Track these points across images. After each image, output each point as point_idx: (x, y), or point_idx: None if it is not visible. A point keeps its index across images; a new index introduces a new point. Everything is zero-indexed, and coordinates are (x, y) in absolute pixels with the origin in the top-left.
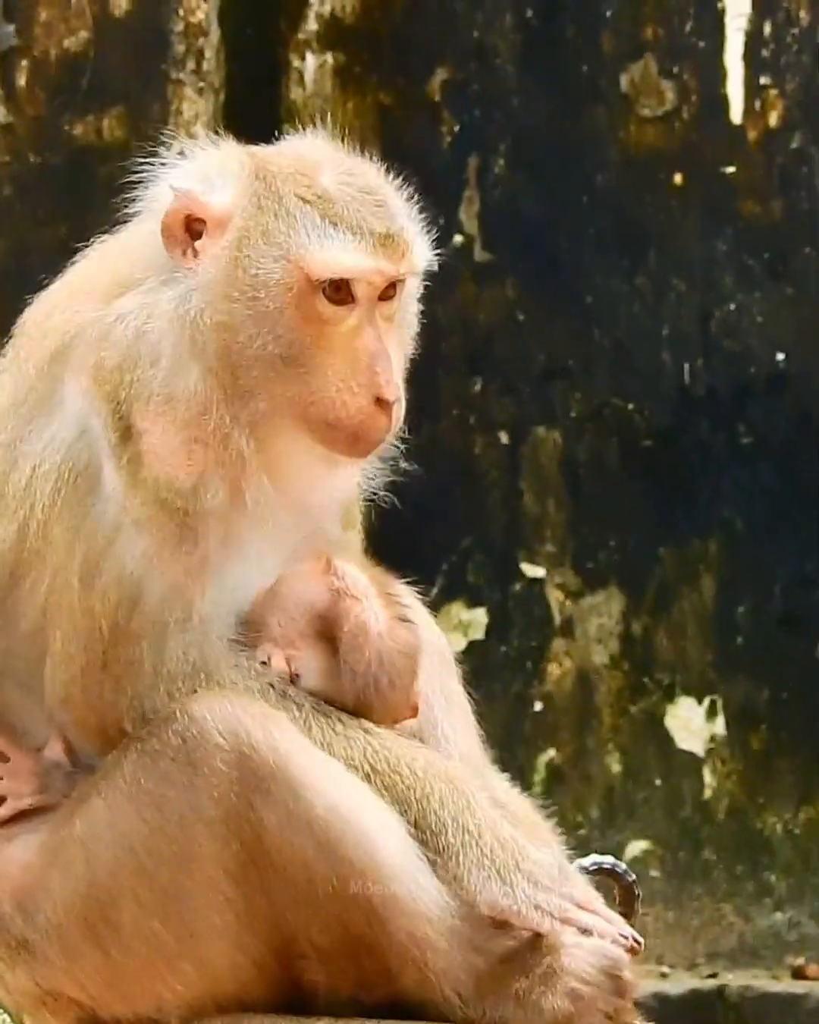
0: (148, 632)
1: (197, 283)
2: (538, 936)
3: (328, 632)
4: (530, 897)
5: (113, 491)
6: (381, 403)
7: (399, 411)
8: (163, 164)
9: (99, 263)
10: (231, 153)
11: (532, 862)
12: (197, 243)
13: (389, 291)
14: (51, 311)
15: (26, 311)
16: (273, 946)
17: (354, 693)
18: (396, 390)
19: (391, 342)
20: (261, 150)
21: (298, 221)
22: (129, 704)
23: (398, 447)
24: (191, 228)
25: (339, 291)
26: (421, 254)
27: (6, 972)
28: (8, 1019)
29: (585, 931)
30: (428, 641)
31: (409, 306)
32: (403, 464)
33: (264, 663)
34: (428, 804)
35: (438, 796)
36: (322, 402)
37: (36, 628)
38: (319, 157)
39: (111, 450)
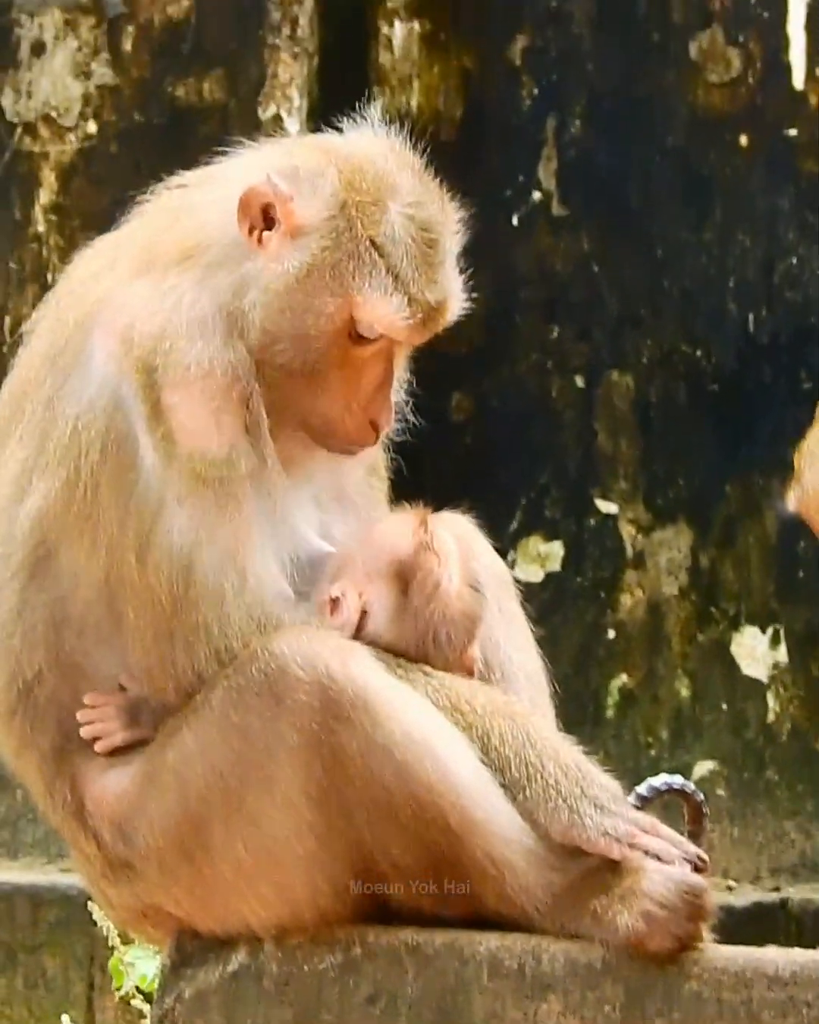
0: (207, 599)
1: (256, 277)
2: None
3: (404, 578)
4: (597, 823)
5: (152, 466)
6: (373, 425)
7: (388, 430)
8: (255, 143)
9: (160, 221)
10: (326, 163)
11: (598, 786)
12: (267, 233)
13: None
14: (99, 270)
15: (76, 260)
16: (354, 867)
17: (415, 639)
18: (390, 419)
19: (397, 370)
20: (349, 160)
21: (365, 267)
22: (203, 668)
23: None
24: (268, 215)
25: (375, 334)
26: (455, 314)
27: (110, 888)
28: (112, 929)
29: (650, 852)
30: (487, 566)
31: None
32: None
33: (336, 599)
34: (489, 741)
35: (498, 732)
36: (323, 416)
37: (103, 592)
38: (395, 182)
39: (145, 424)
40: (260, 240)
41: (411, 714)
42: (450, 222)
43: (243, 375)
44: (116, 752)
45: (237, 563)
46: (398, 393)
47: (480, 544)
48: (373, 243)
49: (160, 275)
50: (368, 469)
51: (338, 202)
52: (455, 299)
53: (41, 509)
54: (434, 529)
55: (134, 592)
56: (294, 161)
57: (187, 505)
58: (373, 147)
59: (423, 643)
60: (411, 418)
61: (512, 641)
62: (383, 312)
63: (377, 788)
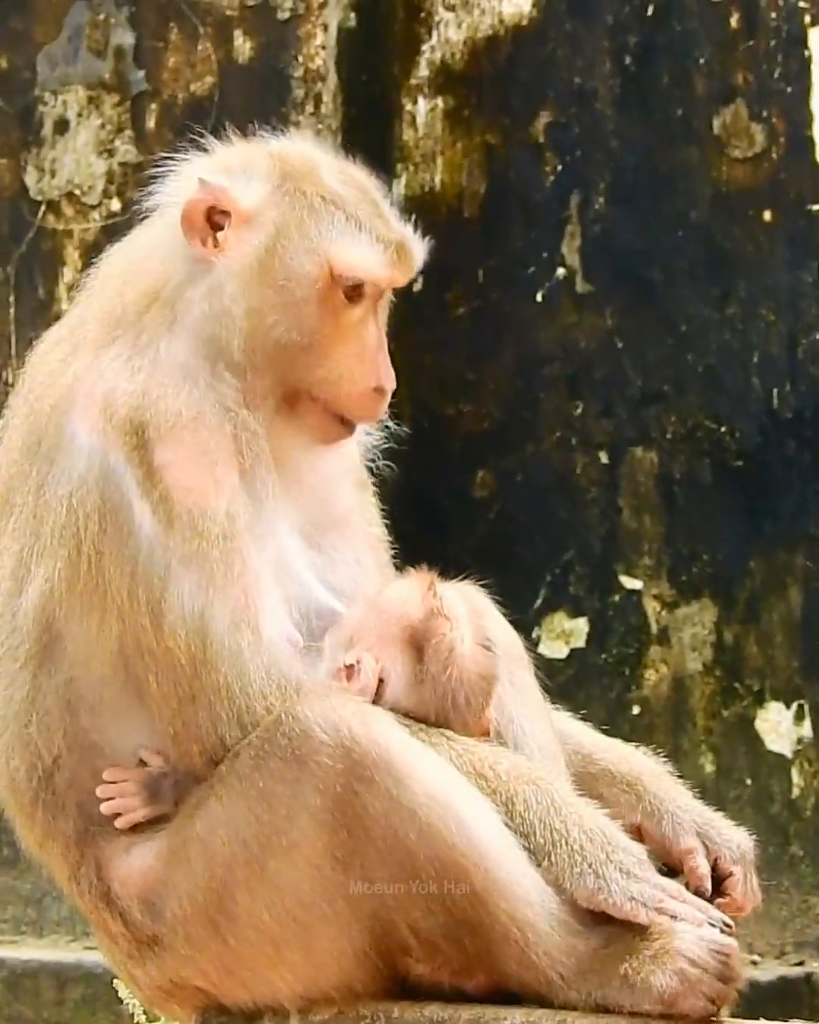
0: (225, 658)
1: (228, 272)
2: None
3: (417, 644)
4: (624, 889)
5: (152, 530)
6: (379, 391)
7: (391, 391)
8: (185, 160)
9: (109, 287)
10: (255, 151)
11: (623, 851)
12: (219, 234)
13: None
14: (65, 355)
15: (35, 351)
16: (376, 933)
17: (434, 704)
18: (393, 380)
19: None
20: (270, 145)
21: (326, 218)
22: (226, 730)
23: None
24: (212, 219)
25: (355, 289)
26: (420, 261)
27: (136, 968)
28: (137, 1007)
29: (677, 917)
30: (499, 638)
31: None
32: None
33: (352, 666)
34: (514, 806)
35: (523, 798)
36: (329, 386)
37: (118, 665)
38: (317, 156)
39: (139, 488)
40: (216, 243)
41: (433, 776)
42: (376, 184)
43: (233, 406)
44: (138, 828)
45: (250, 620)
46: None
47: (491, 614)
48: (323, 198)
49: (131, 334)
50: (356, 485)
51: (277, 174)
52: (415, 241)
53: (44, 594)
54: (442, 593)
55: (153, 658)
56: (217, 162)
57: (193, 566)
58: (287, 139)
59: (442, 707)
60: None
61: (525, 712)
62: (359, 254)
63: (400, 849)
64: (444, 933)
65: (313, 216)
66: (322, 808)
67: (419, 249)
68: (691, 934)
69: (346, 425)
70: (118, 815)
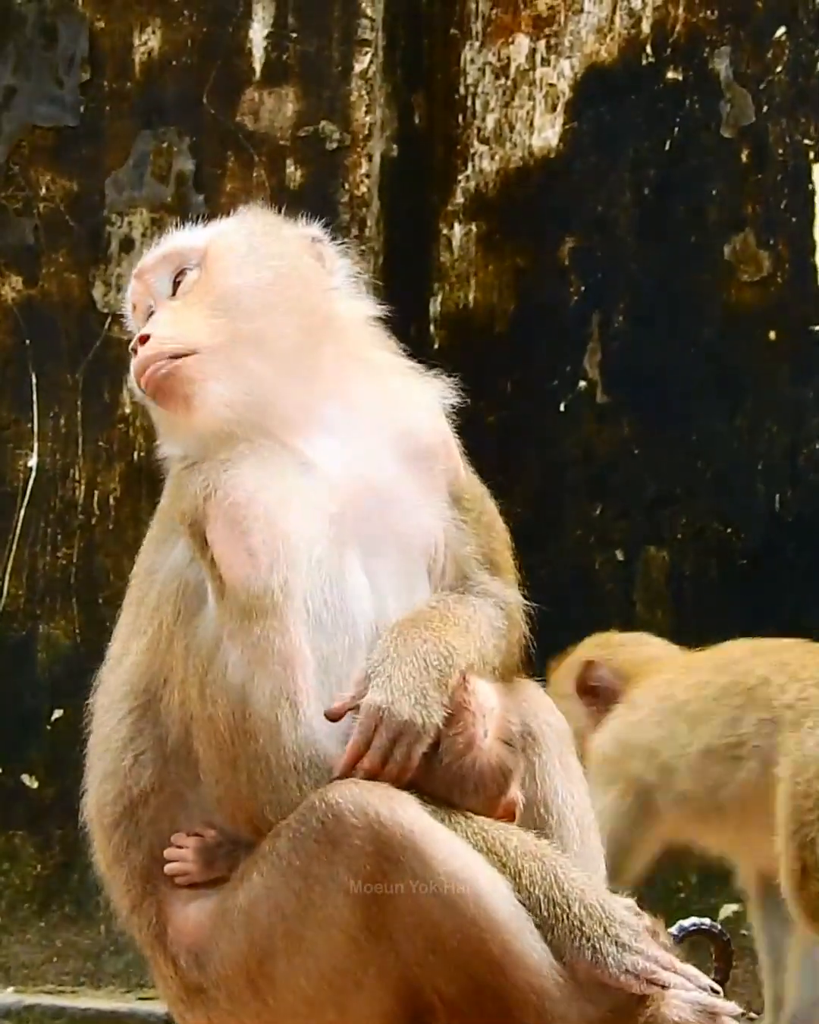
0: (263, 730)
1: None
2: None
3: (439, 734)
4: (619, 961)
5: (210, 606)
6: (142, 340)
7: (155, 346)
8: None
9: None
10: None
11: (619, 925)
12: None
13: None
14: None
15: None
16: (403, 998)
17: (443, 786)
18: (151, 331)
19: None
20: None
21: None
22: (265, 799)
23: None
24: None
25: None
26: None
27: (186, 1012)
28: None
29: (668, 986)
30: (550, 723)
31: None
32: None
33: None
34: (520, 881)
35: (527, 874)
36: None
37: (183, 736)
38: None
39: (205, 569)
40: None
41: (454, 856)
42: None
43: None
44: (194, 886)
45: (289, 696)
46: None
47: (544, 704)
48: None
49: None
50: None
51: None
52: (163, 249)
53: (136, 663)
54: (475, 686)
55: (200, 726)
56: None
57: (238, 641)
58: None
59: (449, 790)
60: None
61: (569, 790)
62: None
63: (426, 923)
64: (467, 998)
65: None
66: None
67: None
68: (678, 998)
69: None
70: (179, 875)
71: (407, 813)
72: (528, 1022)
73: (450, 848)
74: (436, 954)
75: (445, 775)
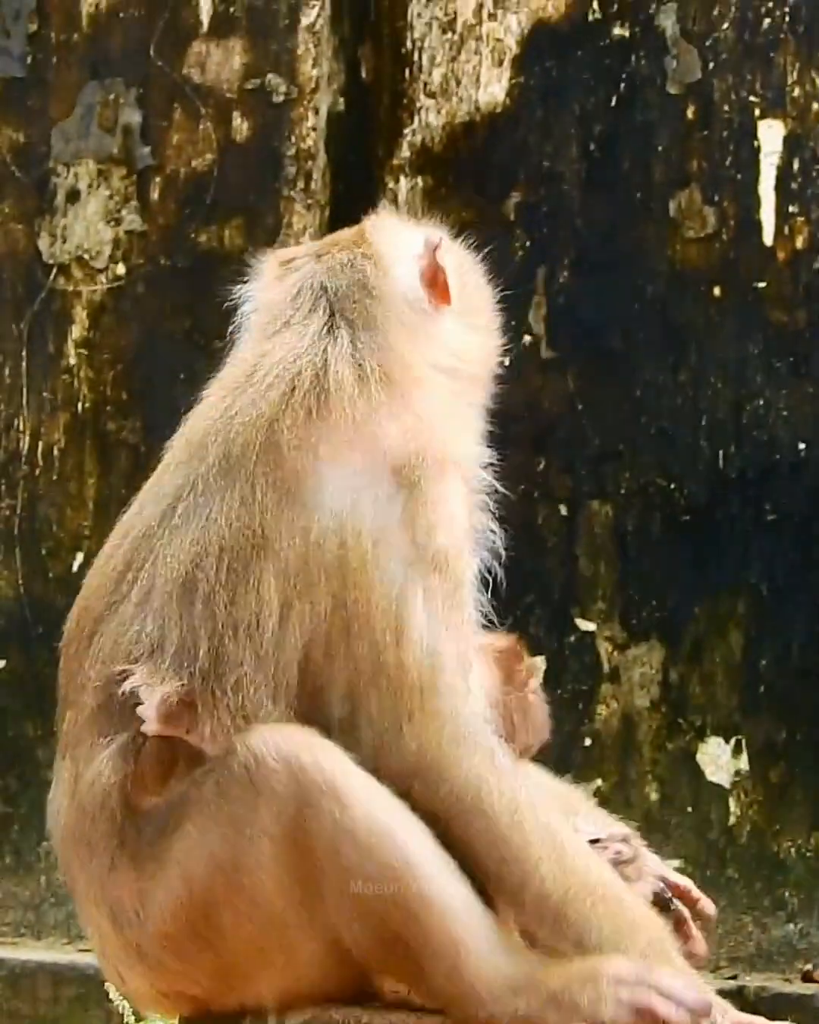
0: (448, 693)
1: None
2: None
3: (502, 668)
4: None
5: (407, 558)
6: None
7: None
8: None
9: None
10: None
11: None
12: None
13: None
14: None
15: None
16: (331, 945)
17: (507, 716)
18: None
19: None
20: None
21: None
22: (428, 761)
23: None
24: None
25: None
26: None
27: (127, 972)
28: (127, 1006)
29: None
30: None
31: None
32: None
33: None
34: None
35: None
36: None
37: (346, 692)
38: None
39: (404, 520)
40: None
41: (371, 799)
42: None
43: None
44: (131, 847)
45: (466, 667)
46: None
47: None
48: None
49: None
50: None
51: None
52: None
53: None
54: (526, 658)
55: (385, 674)
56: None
57: (435, 601)
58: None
59: (511, 738)
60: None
61: None
62: None
63: (342, 869)
64: (381, 947)
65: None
66: (278, 831)
67: None
68: (619, 958)
69: None
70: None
71: (327, 758)
72: (438, 974)
73: (368, 793)
74: (354, 901)
75: (505, 706)
